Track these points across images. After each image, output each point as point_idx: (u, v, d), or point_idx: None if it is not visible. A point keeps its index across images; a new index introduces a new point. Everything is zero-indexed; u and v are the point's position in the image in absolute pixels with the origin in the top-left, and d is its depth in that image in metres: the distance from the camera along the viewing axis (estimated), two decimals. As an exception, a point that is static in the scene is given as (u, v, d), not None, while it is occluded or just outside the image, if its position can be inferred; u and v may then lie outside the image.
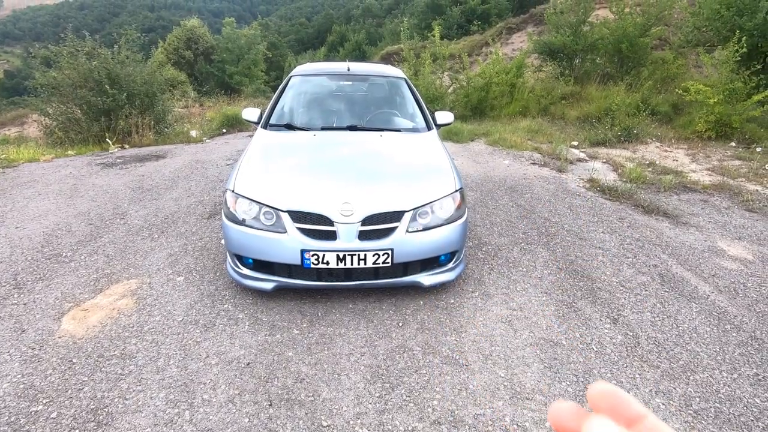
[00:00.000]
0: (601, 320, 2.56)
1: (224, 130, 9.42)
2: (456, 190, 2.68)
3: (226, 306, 2.63)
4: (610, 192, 4.93)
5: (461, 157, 6.41)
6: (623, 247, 3.55)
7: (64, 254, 3.29)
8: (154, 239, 3.55)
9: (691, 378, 2.15)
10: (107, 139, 7.55)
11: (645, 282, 3.00)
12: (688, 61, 11.26)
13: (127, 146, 7.59)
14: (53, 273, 3.01)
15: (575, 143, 7.49)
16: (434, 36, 10.39)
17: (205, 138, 8.50)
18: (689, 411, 1.95)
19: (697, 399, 2.02)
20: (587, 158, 6.58)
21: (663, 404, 1.98)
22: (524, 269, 3.15)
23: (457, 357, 2.22)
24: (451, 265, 2.69)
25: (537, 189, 5.03)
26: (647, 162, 6.41)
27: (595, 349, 2.30)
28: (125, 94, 7.88)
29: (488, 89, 9.89)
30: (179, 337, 2.34)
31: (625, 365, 2.21)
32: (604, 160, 6.41)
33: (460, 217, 2.65)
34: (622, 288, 2.92)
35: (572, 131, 8.56)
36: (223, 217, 2.59)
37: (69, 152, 7.05)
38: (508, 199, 4.66)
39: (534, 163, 6.19)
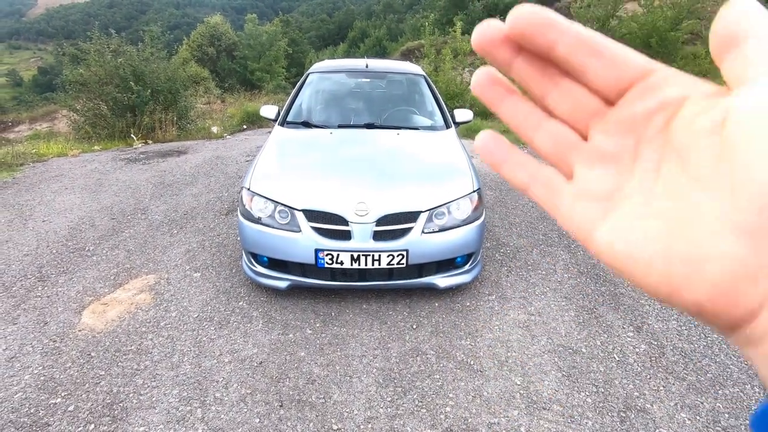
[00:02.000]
0: (623, 328, 2.46)
1: (245, 127, 9.53)
2: (474, 191, 2.62)
3: (240, 303, 2.64)
4: (635, 193, 4.75)
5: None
6: (649, 251, 3.41)
7: (87, 248, 3.36)
8: (173, 235, 3.60)
9: (719, 392, 2.04)
10: (132, 135, 7.73)
11: (671, 288, 2.87)
12: (721, 57, 10.76)
13: (150, 142, 7.76)
14: (76, 266, 3.08)
15: (600, 141, 7.28)
16: (455, 32, 10.24)
17: (225, 134, 8.61)
18: (717, 428, 1.85)
19: (726, 415, 1.91)
20: (612, 157, 6.38)
21: (689, 419, 1.88)
22: (543, 272, 3.06)
23: (472, 362, 2.17)
24: (467, 267, 2.63)
25: (558, 189, 4.89)
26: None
27: (617, 359, 2.21)
28: (149, 90, 8.05)
29: (510, 86, 9.68)
30: (194, 333, 2.35)
31: (648, 376, 2.12)
32: (630, 160, 6.21)
33: (477, 218, 2.59)
34: (646, 294, 2.80)
35: (597, 129, 8.32)
36: (239, 214, 2.60)
37: (95, 147, 7.25)
38: (528, 198, 4.55)
39: (556, 162, 6.03)
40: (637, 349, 2.29)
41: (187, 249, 3.34)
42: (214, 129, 8.94)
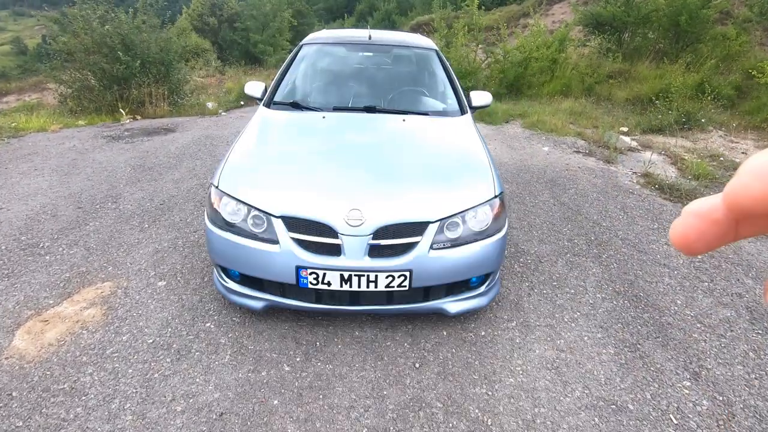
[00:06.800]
0: (677, 373, 1.99)
1: (242, 103, 8.95)
2: (495, 196, 2.11)
3: (207, 325, 2.18)
4: (670, 191, 4.21)
5: (494, 141, 5.74)
6: (694, 265, 2.91)
7: (41, 244, 2.91)
8: (144, 230, 3.14)
9: (810, 474, 1.58)
10: (120, 109, 7.20)
11: (729, 317, 2.39)
12: (752, 38, 9.99)
13: (139, 117, 7.23)
14: (23, 268, 2.63)
15: (625, 129, 6.66)
16: (468, 6, 9.47)
17: (221, 111, 8.06)
18: None
19: None
20: (640, 147, 5.78)
21: None
22: (572, 290, 2.58)
23: (489, 422, 1.71)
24: (483, 288, 2.15)
25: (582, 183, 4.37)
26: (709, 154, 5.58)
27: (675, 421, 1.74)
28: (139, 61, 7.46)
29: (527, 65, 9.00)
30: (144, 367, 1.91)
31: (714, 445, 1.66)
32: (660, 151, 5.62)
33: (498, 230, 2.09)
34: (699, 325, 2.32)
35: (621, 115, 7.68)
36: (206, 217, 2.11)
37: (79, 122, 6.74)
38: (549, 194, 4.03)
39: (577, 152, 5.47)
40: (699, 407, 1.82)
41: (156, 249, 2.88)
42: (210, 105, 8.37)
